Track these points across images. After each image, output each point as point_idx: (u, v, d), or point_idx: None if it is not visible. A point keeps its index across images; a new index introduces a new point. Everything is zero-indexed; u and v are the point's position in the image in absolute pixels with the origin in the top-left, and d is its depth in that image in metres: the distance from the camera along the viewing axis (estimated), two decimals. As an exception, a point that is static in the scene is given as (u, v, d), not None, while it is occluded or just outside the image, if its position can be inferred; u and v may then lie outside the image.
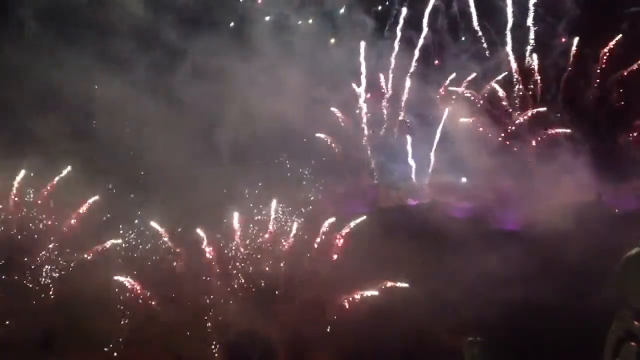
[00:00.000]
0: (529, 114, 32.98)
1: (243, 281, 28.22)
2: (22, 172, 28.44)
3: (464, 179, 33.30)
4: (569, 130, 31.82)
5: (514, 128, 33.04)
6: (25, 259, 27.93)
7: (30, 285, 27.68)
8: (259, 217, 29.42)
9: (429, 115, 33.46)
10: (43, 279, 27.75)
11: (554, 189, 29.02)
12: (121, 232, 28.37)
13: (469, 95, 33.45)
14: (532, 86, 33.24)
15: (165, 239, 28.25)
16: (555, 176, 29.45)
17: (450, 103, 33.16)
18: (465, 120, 32.88)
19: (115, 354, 25.66)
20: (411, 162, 33.15)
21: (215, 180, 27.94)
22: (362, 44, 32.61)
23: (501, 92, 33.35)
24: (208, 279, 27.88)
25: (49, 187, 28.96)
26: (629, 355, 7.32)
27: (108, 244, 28.09)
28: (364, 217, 29.79)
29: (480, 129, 32.65)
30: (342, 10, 33.00)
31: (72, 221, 28.36)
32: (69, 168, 28.88)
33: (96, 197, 28.68)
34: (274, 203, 29.31)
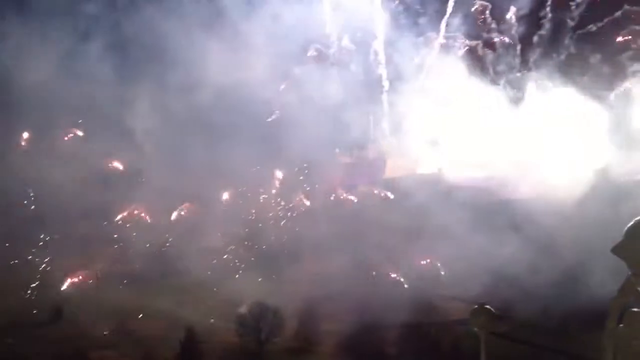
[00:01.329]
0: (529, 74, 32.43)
1: (250, 253, 28.33)
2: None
3: (471, 148, 33.10)
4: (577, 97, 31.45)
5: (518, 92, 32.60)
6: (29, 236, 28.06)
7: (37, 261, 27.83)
8: (263, 190, 29.33)
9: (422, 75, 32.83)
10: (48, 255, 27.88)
11: (564, 157, 28.84)
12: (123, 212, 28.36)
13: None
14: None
15: (169, 213, 28.30)
16: (564, 144, 29.27)
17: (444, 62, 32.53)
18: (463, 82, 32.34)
19: (124, 326, 25.87)
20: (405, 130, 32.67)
21: (211, 157, 27.69)
22: None
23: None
24: (215, 251, 27.99)
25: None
26: (634, 321, 7.28)
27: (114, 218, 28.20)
28: (373, 187, 29.75)
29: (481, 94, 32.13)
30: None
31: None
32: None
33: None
34: (277, 174, 29.19)
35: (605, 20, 31.24)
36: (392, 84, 32.99)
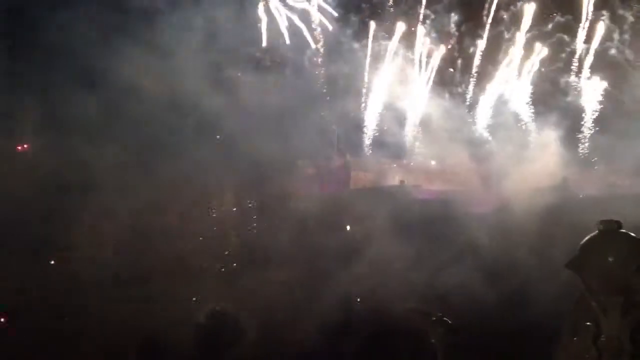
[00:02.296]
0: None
1: (211, 261, 28.13)
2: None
3: (433, 162, 33.51)
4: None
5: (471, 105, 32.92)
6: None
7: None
8: (224, 199, 29.09)
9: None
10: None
11: (520, 172, 29.30)
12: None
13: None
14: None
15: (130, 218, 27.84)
16: (521, 159, 29.77)
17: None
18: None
19: (80, 335, 25.41)
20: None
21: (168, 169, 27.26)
22: None
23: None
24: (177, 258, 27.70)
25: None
26: (587, 335, 7.48)
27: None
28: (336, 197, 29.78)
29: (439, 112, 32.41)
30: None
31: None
32: None
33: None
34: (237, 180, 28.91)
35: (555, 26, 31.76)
36: (357, 95, 33.18)
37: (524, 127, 31.73)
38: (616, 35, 30.91)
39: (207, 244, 28.52)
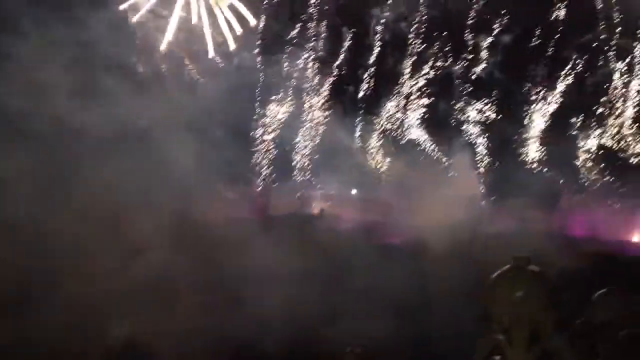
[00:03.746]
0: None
1: (122, 288, 27.25)
2: None
3: (354, 191, 33.85)
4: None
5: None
6: None
7: None
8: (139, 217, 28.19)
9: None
10: None
11: (436, 203, 29.95)
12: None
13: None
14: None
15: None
16: (438, 190, 30.44)
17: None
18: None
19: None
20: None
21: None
22: None
23: None
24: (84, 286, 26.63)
25: None
26: (497, 364, 7.66)
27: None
28: (252, 223, 29.58)
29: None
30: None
31: None
32: None
33: None
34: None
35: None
36: (280, 115, 33.16)
37: (426, 156, 32.43)
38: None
39: (115, 267, 27.51)
